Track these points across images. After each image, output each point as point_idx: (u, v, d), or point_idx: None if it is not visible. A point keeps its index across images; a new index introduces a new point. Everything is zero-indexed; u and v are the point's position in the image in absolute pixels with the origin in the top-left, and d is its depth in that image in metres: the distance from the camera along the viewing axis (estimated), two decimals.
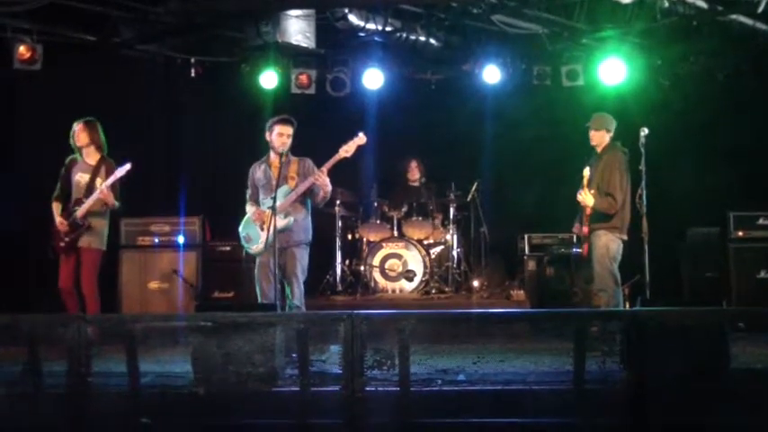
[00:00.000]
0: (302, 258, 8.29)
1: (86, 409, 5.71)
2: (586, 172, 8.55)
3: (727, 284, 10.36)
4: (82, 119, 8.89)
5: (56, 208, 8.81)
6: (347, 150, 8.22)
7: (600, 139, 8.82)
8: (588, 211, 8.60)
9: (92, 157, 8.88)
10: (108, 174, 8.72)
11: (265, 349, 5.87)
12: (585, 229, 8.66)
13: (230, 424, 5.70)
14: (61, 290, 8.69)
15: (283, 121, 8.27)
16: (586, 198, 8.53)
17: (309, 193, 8.28)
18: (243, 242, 8.44)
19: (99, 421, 5.68)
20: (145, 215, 10.99)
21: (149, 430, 5.68)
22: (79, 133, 8.82)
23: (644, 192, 8.33)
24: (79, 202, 8.72)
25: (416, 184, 12.43)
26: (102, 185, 8.64)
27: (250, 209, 8.40)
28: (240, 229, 8.45)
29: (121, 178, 8.70)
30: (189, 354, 6.09)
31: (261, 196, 8.36)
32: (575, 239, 11.53)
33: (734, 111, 11.64)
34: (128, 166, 8.67)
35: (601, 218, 8.58)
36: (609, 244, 8.55)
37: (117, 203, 8.82)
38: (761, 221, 10.47)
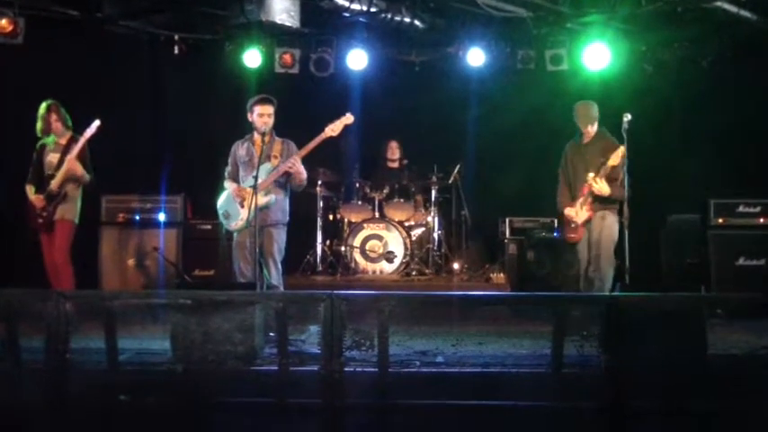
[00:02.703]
0: (279, 239, 8.28)
1: (64, 385, 5.69)
2: (613, 161, 8.39)
3: (706, 271, 10.40)
4: (46, 102, 8.91)
5: (29, 190, 8.91)
6: (333, 129, 8.22)
7: (594, 128, 8.83)
8: (588, 192, 8.60)
9: (63, 137, 8.94)
10: (84, 132, 8.76)
11: (244, 328, 5.87)
12: (590, 213, 8.65)
13: (208, 402, 5.69)
14: (47, 267, 8.73)
15: (263, 101, 8.25)
16: (603, 187, 8.50)
17: (288, 175, 8.27)
18: (221, 219, 8.44)
19: (77, 398, 5.67)
20: (126, 192, 10.96)
21: (127, 407, 5.67)
22: (53, 120, 8.88)
23: (626, 177, 8.35)
24: (52, 177, 8.75)
25: (396, 165, 12.43)
26: (68, 156, 8.68)
27: (230, 185, 8.38)
28: (218, 205, 8.45)
29: (92, 137, 8.71)
30: (167, 331, 6.08)
31: (241, 173, 8.35)
32: (555, 223, 11.59)
33: (717, 97, 11.65)
34: (96, 123, 8.72)
35: (605, 200, 8.59)
36: (613, 226, 8.57)
37: (88, 176, 8.86)
38: (741, 209, 10.50)
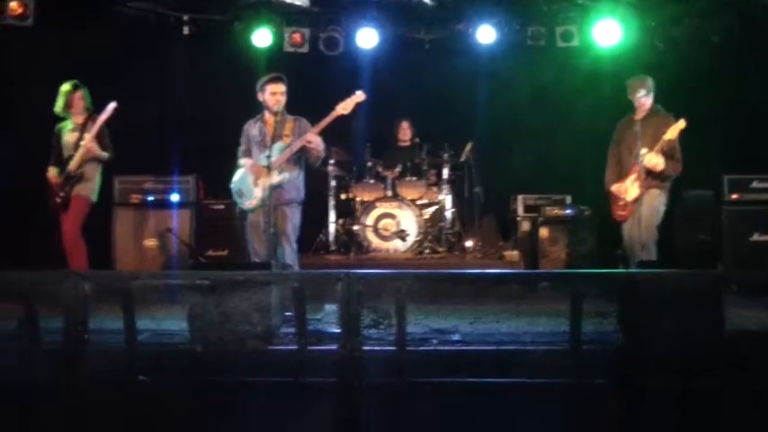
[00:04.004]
0: (294, 217, 8.27)
1: (83, 366, 5.71)
2: (670, 135, 8.37)
3: (720, 247, 10.41)
4: (71, 82, 8.91)
5: (51, 171, 8.88)
6: (345, 108, 8.18)
7: (649, 102, 8.75)
8: (641, 168, 8.52)
9: (79, 117, 8.91)
10: (100, 114, 8.75)
11: (262, 308, 5.87)
12: (641, 190, 8.57)
13: (227, 381, 5.71)
14: (64, 246, 8.74)
15: (275, 80, 8.23)
16: (658, 162, 8.42)
17: (304, 151, 8.26)
18: (235, 197, 8.42)
19: (95, 378, 5.69)
20: (138, 173, 10.98)
21: (146, 388, 5.69)
22: (76, 98, 8.84)
23: (639, 154, 8.33)
24: (71, 158, 8.75)
25: (407, 144, 12.39)
26: (87, 137, 8.68)
27: (246, 161, 8.35)
28: (232, 184, 8.42)
29: (108, 120, 8.75)
30: (185, 312, 6.09)
31: (254, 153, 8.33)
32: (568, 200, 11.57)
33: (728, 73, 11.62)
34: (112, 105, 8.71)
35: (657, 176, 8.55)
36: (660, 205, 8.60)
37: (106, 154, 8.90)
38: (755, 184, 10.52)
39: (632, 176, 8.64)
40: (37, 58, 10.83)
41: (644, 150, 8.44)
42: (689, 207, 10.83)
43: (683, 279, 5.94)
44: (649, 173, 8.48)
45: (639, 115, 8.73)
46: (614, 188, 8.82)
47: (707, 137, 11.18)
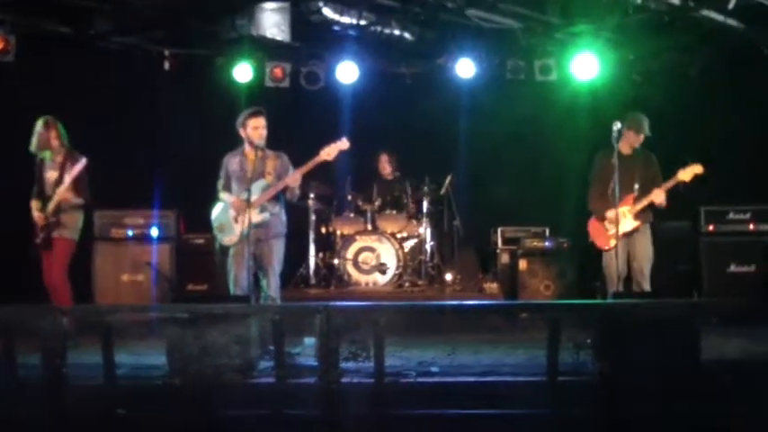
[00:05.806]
0: (279, 250, 8.25)
1: (61, 400, 5.70)
2: (685, 176, 8.62)
3: (698, 278, 10.47)
4: (43, 118, 8.79)
5: (34, 205, 8.77)
6: (328, 153, 8.17)
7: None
8: (640, 204, 8.68)
9: (59, 153, 8.82)
10: (74, 166, 8.69)
11: (241, 341, 5.89)
12: (638, 223, 8.71)
13: (206, 415, 5.71)
14: (47, 285, 8.68)
15: (257, 114, 8.21)
16: (663, 200, 8.63)
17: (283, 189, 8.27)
18: (215, 232, 8.37)
19: (74, 413, 5.68)
20: (119, 207, 10.97)
21: (125, 422, 5.68)
22: (46, 135, 8.73)
23: (616, 185, 8.38)
24: (50, 199, 8.70)
25: (390, 177, 12.42)
26: (61, 187, 8.63)
27: (229, 197, 8.30)
28: (213, 218, 8.39)
29: (82, 172, 8.67)
30: (164, 345, 6.09)
31: (234, 187, 8.27)
32: (547, 232, 11.59)
33: (706, 106, 11.70)
34: (83, 162, 8.62)
35: (647, 213, 8.72)
36: (650, 239, 8.76)
37: (80, 200, 8.79)
38: (731, 216, 10.61)
39: (625, 208, 8.67)
40: (19, 92, 10.79)
41: (658, 188, 8.65)
42: (667, 238, 10.87)
43: (659, 309, 5.99)
44: (647, 208, 8.66)
45: (628, 150, 8.84)
46: (609, 214, 8.68)
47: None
